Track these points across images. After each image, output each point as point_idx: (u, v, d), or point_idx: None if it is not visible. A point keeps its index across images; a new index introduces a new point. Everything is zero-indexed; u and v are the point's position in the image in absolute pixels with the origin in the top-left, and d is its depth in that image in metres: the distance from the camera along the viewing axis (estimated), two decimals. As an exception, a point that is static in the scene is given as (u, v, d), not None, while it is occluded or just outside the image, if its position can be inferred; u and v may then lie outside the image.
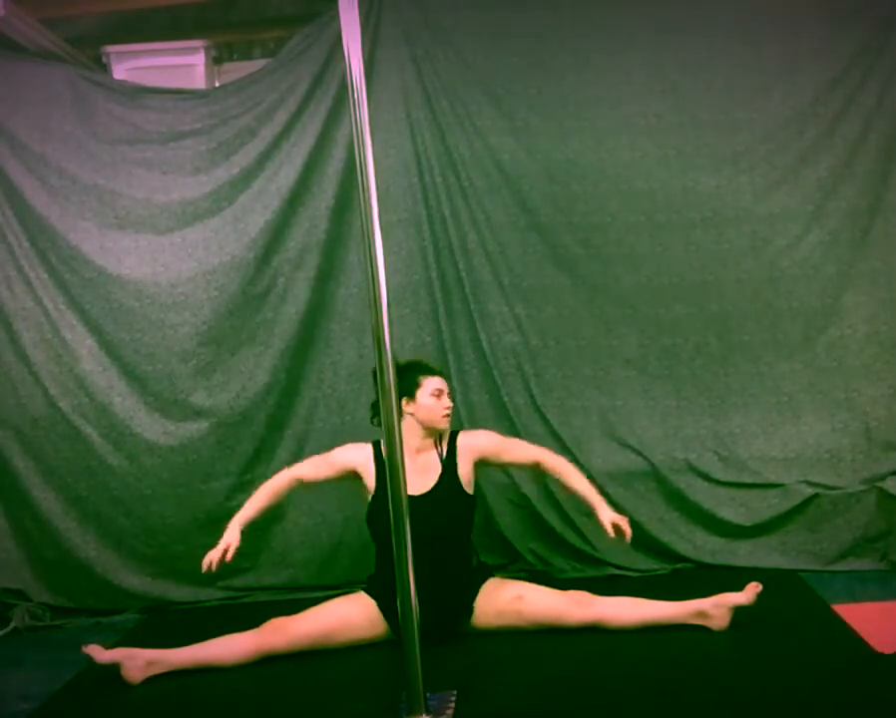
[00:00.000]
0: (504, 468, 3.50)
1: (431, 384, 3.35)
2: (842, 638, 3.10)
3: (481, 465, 3.44)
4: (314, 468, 3.45)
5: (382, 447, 3.28)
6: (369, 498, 3.38)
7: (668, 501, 4.00)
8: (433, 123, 4.03)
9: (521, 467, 3.58)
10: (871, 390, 3.96)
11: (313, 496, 4.06)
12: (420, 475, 3.32)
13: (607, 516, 3.24)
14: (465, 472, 3.39)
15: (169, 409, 4.04)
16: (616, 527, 3.21)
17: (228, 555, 3.18)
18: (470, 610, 3.30)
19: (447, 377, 3.99)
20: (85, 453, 4.04)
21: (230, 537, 3.22)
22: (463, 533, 3.41)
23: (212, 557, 3.17)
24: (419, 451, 3.37)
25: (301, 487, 3.44)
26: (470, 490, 3.40)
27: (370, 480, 3.36)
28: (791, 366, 3.99)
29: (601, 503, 3.29)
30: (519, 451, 3.50)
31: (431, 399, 3.34)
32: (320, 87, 4.00)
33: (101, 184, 4.03)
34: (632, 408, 4.05)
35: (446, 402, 3.36)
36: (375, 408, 3.10)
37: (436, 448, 3.41)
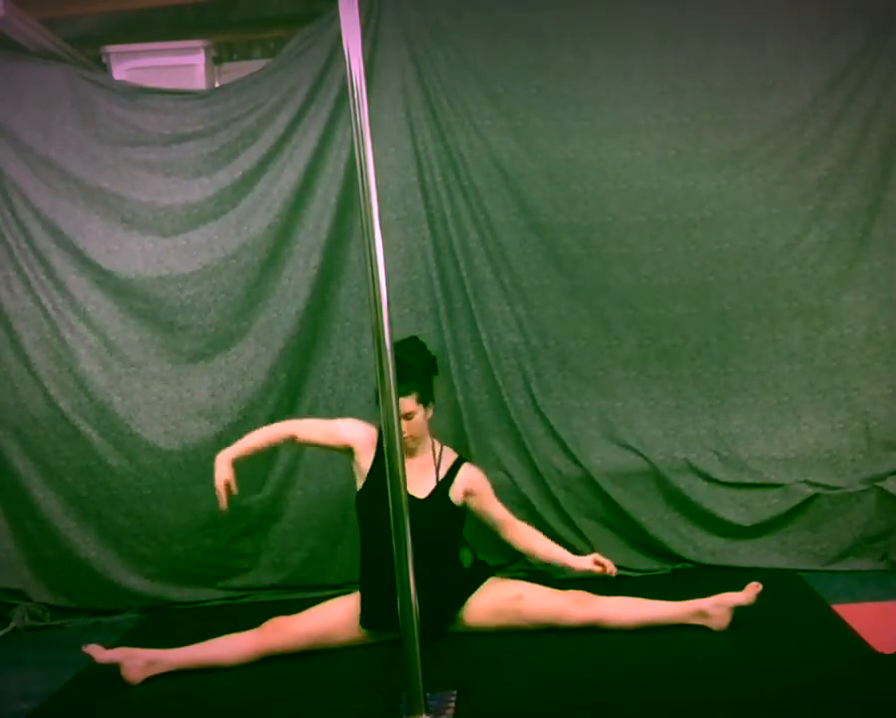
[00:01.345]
0: (477, 513, 3.52)
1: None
2: (842, 638, 3.10)
3: (466, 499, 3.47)
4: (312, 429, 3.49)
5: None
6: (360, 481, 3.40)
7: (668, 501, 4.00)
8: (433, 123, 4.03)
9: (494, 521, 3.52)
10: (871, 390, 3.96)
11: (314, 495, 4.07)
12: (413, 478, 3.33)
13: (582, 562, 3.35)
14: (456, 496, 3.43)
15: (169, 409, 4.04)
16: (598, 565, 3.32)
17: (233, 488, 3.25)
18: (455, 612, 3.33)
19: (447, 377, 4.01)
20: (85, 453, 4.03)
21: (224, 472, 3.27)
22: (449, 539, 3.43)
23: (220, 498, 3.23)
24: (414, 453, 3.39)
25: (294, 442, 3.49)
26: (460, 505, 3.44)
27: (364, 459, 3.39)
28: (791, 366, 3.99)
29: (567, 557, 3.42)
30: (499, 508, 3.51)
31: None
32: (321, 88, 4.00)
33: (105, 187, 4.03)
34: (632, 408, 4.05)
35: (404, 426, 3.24)
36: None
37: (433, 458, 3.43)
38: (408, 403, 3.33)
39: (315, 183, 4.03)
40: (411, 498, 3.24)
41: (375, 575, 3.27)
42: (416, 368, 3.39)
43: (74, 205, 4.03)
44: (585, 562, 3.35)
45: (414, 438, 3.38)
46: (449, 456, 3.50)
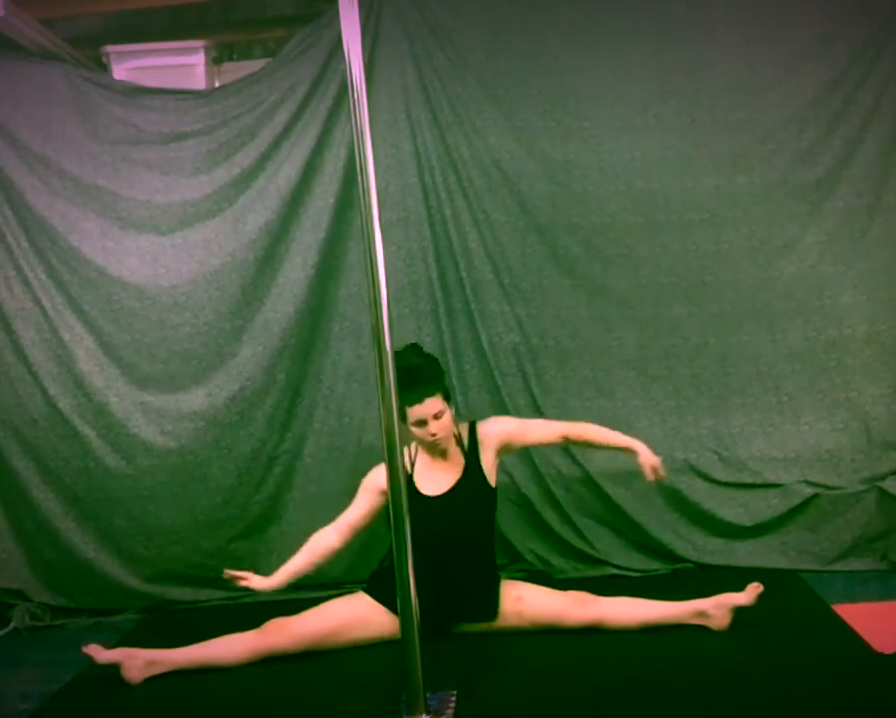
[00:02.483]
0: (528, 448, 3.51)
1: (413, 414, 3.26)
2: (842, 638, 3.10)
3: (503, 451, 3.45)
4: (356, 508, 3.39)
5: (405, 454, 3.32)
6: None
7: (668, 501, 4.00)
8: (433, 123, 4.03)
9: (547, 444, 3.58)
10: (871, 390, 3.96)
11: (313, 496, 4.07)
12: (443, 472, 3.34)
13: (647, 460, 3.33)
14: (488, 462, 3.39)
15: (167, 409, 4.04)
16: (654, 470, 3.31)
17: (243, 583, 3.26)
18: (496, 608, 3.29)
19: (447, 377, 4.01)
20: (83, 453, 4.03)
21: (268, 583, 3.29)
22: (487, 528, 3.41)
23: (234, 574, 3.25)
24: (437, 450, 3.35)
25: (354, 534, 3.41)
26: (493, 481, 3.39)
27: None
28: (791, 366, 3.99)
29: (640, 446, 3.37)
30: (542, 429, 3.51)
31: (415, 428, 3.30)
32: (320, 87, 4.00)
33: (102, 186, 4.03)
34: (631, 408, 4.05)
35: (432, 428, 3.26)
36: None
37: (457, 444, 3.39)
38: (437, 403, 3.28)
39: (314, 182, 4.02)
40: (444, 494, 3.30)
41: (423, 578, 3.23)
42: (431, 368, 3.36)
43: (70, 204, 4.02)
44: (646, 461, 3.33)
45: (447, 437, 3.34)
46: (463, 428, 3.43)
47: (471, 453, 3.38)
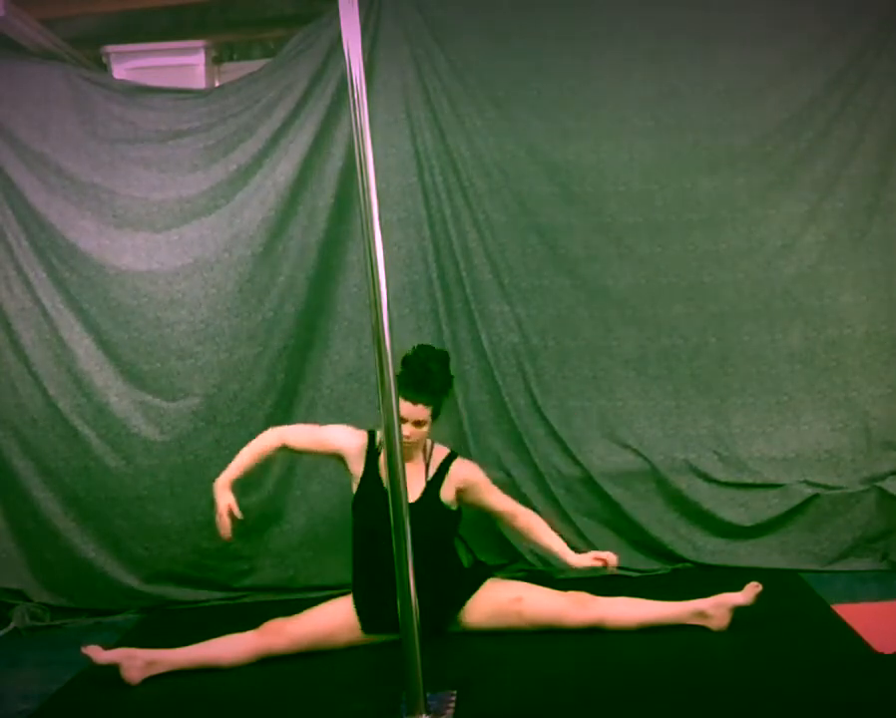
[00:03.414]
0: (477, 507, 3.50)
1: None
2: (842, 638, 3.10)
3: (460, 494, 3.43)
4: (301, 436, 3.47)
5: (377, 437, 3.36)
6: (355, 486, 3.40)
7: (668, 501, 4.00)
8: (433, 123, 4.03)
9: (494, 512, 3.51)
10: (870, 389, 3.96)
11: (313, 495, 4.07)
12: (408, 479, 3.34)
13: (581, 560, 3.29)
14: (448, 496, 3.40)
15: (166, 408, 4.03)
16: (597, 558, 3.28)
17: (237, 513, 3.22)
18: (455, 612, 3.32)
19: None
20: (82, 453, 4.03)
21: (225, 498, 3.24)
22: (441, 541, 3.40)
23: (223, 526, 3.20)
24: (410, 457, 3.36)
25: (284, 450, 3.46)
26: (453, 507, 3.42)
27: (356, 466, 3.38)
28: (791, 366, 3.99)
29: (567, 553, 3.33)
30: (496, 497, 3.49)
31: None
32: (319, 85, 4.00)
33: (99, 183, 4.02)
34: (631, 408, 4.05)
35: (406, 430, 3.25)
36: None
37: (423, 458, 3.41)
38: (423, 412, 3.30)
39: (311, 179, 4.02)
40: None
41: (372, 579, 3.26)
42: (439, 381, 3.36)
43: (68, 202, 4.02)
44: (584, 560, 3.30)
45: (416, 445, 3.37)
46: (440, 453, 3.46)
47: (435, 480, 3.39)
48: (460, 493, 3.43)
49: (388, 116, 4.01)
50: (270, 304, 4.03)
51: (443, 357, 3.42)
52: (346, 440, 3.43)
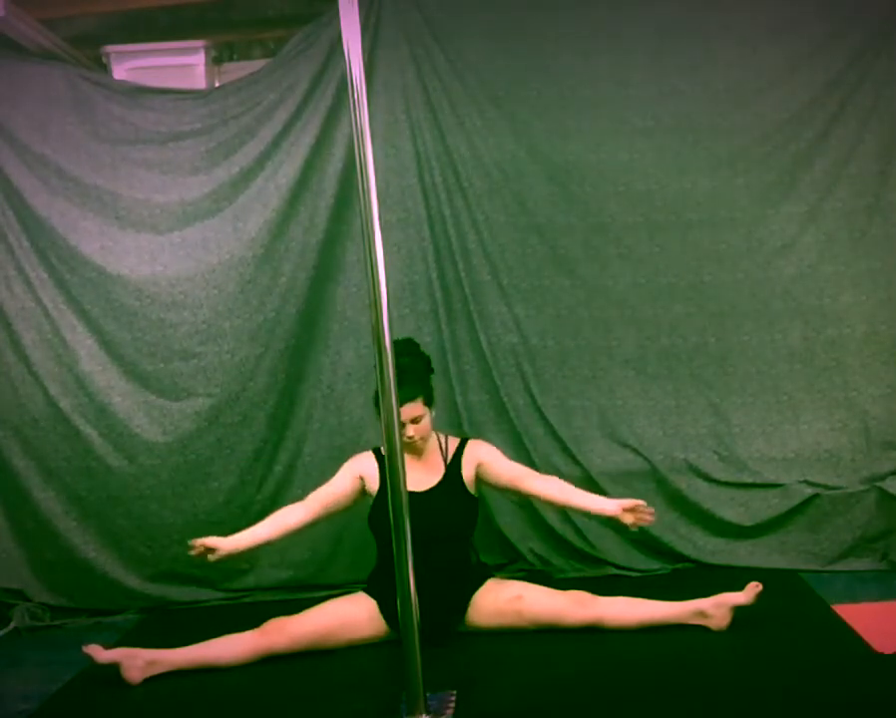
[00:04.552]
0: (498, 484, 3.48)
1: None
2: (842, 638, 3.10)
3: (479, 475, 3.44)
4: (330, 486, 3.42)
5: (382, 449, 3.32)
6: (371, 500, 3.39)
7: (667, 501, 4.00)
8: (433, 123, 4.03)
9: (515, 482, 3.45)
10: (870, 389, 3.96)
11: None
12: (423, 472, 3.35)
13: (609, 506, 3.25)
14: (468, 476, 3.41)
15: (168, 408, 4.04)
16: (630, 511, 3.21)
17: (210, 557, 3.18)
18: (463, 611, 3.31)
19: (447, 377, 4.02)
20: (84, 453, 4.03)
21: (231, 544, 3.22)
22: (463, 531, 3.42)
23: (197, 544, 3.18)
24: (412, 449, 3.36)
25: (324, 511, 3.40)
26: (473, 492, 3.42)
27: (373, 483, 3.38)
28: (790, 366, 3.99)
29: (593, 502, 3.32)
30: (516, 466, 3.48)
31: None
32: (320, 86, 4.00)
33: (101, 185, 4.03)
34: (631, 408, 4.06)
35: (409, 431, 3.27)
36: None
37: (439, 449, 3.43)
38: (416, 407, 3.31)
39: (312, 180, 4.02)
40: (421, 493, 3.28)
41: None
42: (417, 370, 3.38)
43: (69, 203, 4.02)
44: (611, 507, 3.24)
45: (423, 439, 3.38)
46: (453, 442, 3.48)
47: (453, 462, 3.41)
48: (479, 471, 3.42)
49: (388, 116, 4.01)
50: (272, 305, 4.04)
51: (410, 347, 3.42)
52: (361, 463, 3.42)
